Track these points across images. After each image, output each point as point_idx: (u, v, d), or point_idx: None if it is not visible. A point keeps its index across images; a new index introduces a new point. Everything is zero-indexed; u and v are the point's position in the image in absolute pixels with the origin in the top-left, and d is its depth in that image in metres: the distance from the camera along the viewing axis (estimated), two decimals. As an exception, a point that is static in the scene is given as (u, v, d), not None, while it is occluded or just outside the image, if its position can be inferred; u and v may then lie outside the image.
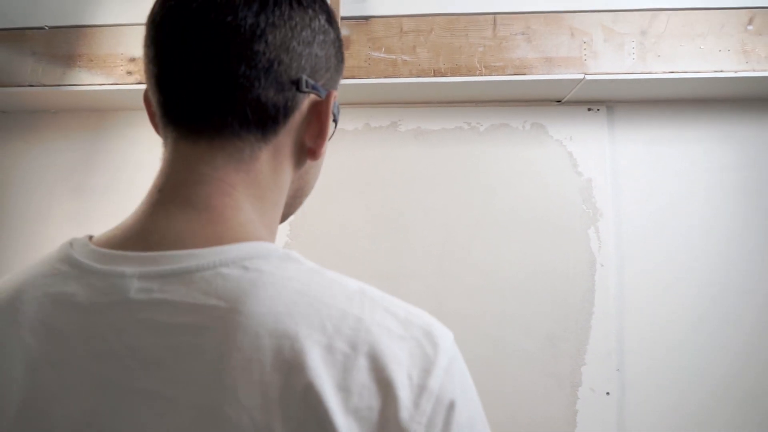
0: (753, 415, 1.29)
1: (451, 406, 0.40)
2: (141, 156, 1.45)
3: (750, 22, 1.24)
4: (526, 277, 1.36)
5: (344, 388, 0.38)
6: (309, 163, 0.54)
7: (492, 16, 1.28)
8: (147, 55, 0.48)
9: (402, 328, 0.42)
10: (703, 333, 1.31)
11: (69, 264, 0.44)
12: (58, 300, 0.42)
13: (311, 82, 0.49)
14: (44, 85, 1.30)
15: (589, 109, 1.40)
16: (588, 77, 1.25)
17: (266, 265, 0.43)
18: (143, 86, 1.29)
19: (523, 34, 1.27)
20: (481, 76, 1.26)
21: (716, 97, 1.35)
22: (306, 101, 0.49)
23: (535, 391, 1.32)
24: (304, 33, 0.48)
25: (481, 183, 1.40)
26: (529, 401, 1.32)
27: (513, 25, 1.28)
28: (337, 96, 0.52)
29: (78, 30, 1.32)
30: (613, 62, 1.26)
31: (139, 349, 0.39)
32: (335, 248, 1.40)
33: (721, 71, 1.23)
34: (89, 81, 1.30)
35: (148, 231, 0.45)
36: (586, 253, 1.36)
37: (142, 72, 1.31)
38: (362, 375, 0.39)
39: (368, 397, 0.38)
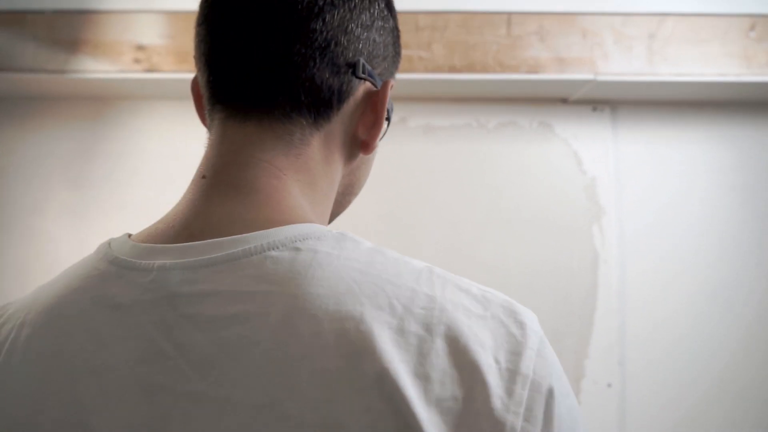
0: (751, 408, 1.34)
1: (550, 394, 0.35)
2: (143, 146, 1.41)
3: (752, 28, 1.29)
4: (531, 273, 1.38)
5: (422, 376, 0.34)
6: (361, 157, 0.51)
7: (506, 15, 1.30)
8: (198, 34, 0.46)
9: (480, 306, 0.38)
10: (702, 328, 1.36)
11: (108, 262, 0.41)
12: (98, 302, 0.39)
13: (368, 67, 0.46)
14: (47, 71, 1.24)
15: (594, 109, 1.43)
16: (599, 78, 1.27)
17: (321, 246, 0.39)
18: (151, 75, 1.28)
19: (536, 33, 1.29)
20: (496, 73, 1.27)
21: (718, 100, 1.40)
22: (361, 88, 0.47)
23: (540, 384, 1.35)
24: (363, 16, 0.45)
25: (488, 180, 1.41)
26: (534, 394, 1.34)
27: (527, 24, 1.30)
28: (394, 86, 0.49)
29: (82, 15, 1.27)
30: (622, 64, 1.29)
31: (189, 347, 0.36)
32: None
33: (724, 75, 1.28)
34: (94, 68, 1.26)
35: (190, 220, 0.42)
36: (589, 250, 1.39)
37: (151, 60, 1.28)
38: (441, 360, 0.34)
39: (451, 385, 0.34)
